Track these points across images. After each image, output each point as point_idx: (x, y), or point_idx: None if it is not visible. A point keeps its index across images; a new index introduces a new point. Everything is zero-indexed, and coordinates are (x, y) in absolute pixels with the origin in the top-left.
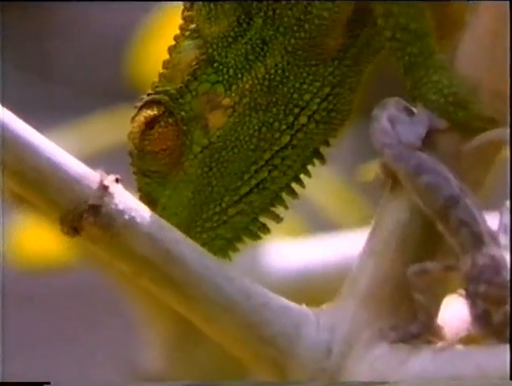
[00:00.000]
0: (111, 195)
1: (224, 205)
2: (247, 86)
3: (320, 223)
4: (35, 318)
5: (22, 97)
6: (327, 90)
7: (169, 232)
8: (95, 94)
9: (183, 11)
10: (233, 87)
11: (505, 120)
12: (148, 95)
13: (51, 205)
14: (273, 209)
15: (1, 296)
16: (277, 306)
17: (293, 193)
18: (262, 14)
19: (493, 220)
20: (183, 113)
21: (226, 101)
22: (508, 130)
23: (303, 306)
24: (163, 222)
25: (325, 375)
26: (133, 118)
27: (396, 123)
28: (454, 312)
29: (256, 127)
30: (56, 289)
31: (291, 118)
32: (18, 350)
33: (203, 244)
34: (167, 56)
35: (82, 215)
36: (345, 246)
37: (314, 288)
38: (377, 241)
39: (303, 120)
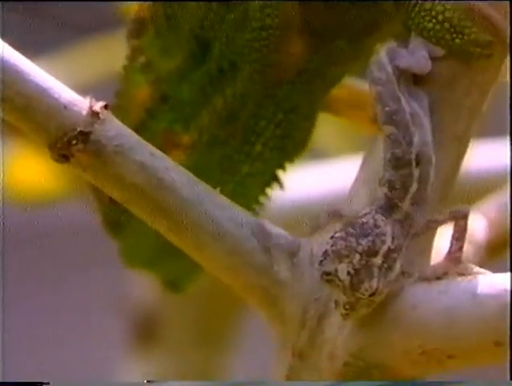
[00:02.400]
0: (101, 122)
1: None
2: (206, 121)
3: (313, 153)
4: (24, 255)
5: (11, 34)
6: (280, 116)
7: (160, 159)
8: (81, 28)
9: (129, 38)
10: (192, 124)
11: (503, 45)
12: None
13: (39, 132)
14: None
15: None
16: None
17: (256, 214)
18: (217, 42)
19: (489, 147)
20: None
21: (185, 139)
22: None
23: (297, 236)
24: (154, 149)
25: (319, 305)
26: None
27: (395, 58)
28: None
29: (217, 161)
30: (47, 225)
31: (247, 147)
32: (6, 288)
33: (169, 273)
34: None
35: (71, 141)
36: (339, 175)
37: (309, 218)
38: (369, 170)
39: (258, 148)
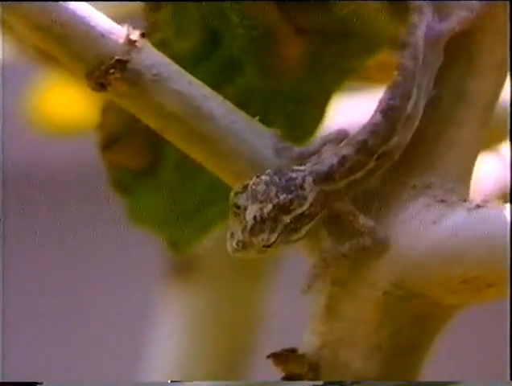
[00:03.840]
0: (138, 50)
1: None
2: None
3: (354, 85)
4: (56, 187)
5: None
6: (291, 107)
7: (198, 88)
8: None
9: (145, 11)
10: None
11: None
12: None
13: (76, 61)
14: None
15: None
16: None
17: None
18: (226, 34)
19: None
20: None
21: None
22: None
23: None
24: (192, 77)
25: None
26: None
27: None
28: (489, 170)
29: None
30: (79, 155)
31: None
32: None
33: (174, 236)
34: None
35: (108, 70)
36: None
37: None
38: None
39: None
